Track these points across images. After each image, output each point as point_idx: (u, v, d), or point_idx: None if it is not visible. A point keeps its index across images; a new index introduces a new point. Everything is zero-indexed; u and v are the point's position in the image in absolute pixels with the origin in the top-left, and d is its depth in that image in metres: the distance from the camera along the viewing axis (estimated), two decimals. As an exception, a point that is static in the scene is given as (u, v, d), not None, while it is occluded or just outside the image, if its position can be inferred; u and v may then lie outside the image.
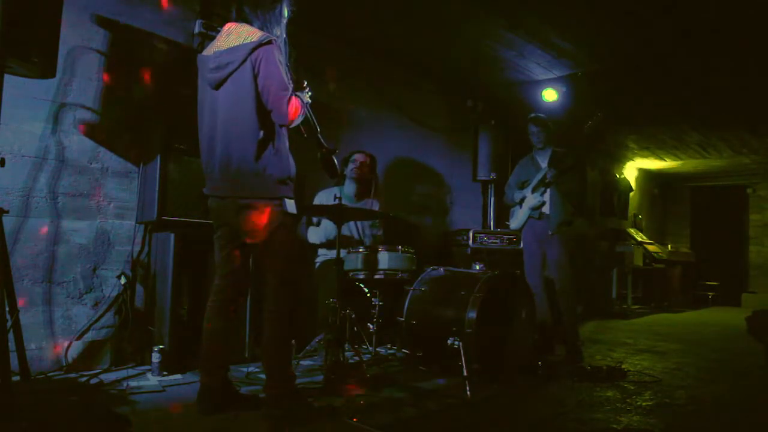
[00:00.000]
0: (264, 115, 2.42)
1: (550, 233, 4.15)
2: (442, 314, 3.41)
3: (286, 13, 2.58)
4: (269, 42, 2.39)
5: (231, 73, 2.42)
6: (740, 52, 4.90)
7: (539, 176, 4.21)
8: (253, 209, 2.42)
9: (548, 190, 4.18)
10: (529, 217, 4.25)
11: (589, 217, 8.23)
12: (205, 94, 2.54)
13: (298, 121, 2.48)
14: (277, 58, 2.39)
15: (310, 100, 2.62)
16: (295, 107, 2.41)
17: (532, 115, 4.39)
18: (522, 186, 4.37)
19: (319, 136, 2.70)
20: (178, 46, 3.70)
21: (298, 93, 2.52)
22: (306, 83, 2.61)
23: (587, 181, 4.91)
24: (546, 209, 4.20)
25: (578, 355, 4.04)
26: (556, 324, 4.18)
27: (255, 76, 2.39)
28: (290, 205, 2.46)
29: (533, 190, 4.23)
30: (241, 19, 2.51)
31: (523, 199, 4.32)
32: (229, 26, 2.52)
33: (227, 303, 2.56)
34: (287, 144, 2.52)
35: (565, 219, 4.16)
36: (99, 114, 3.34)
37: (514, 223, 4.39)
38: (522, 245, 4.41)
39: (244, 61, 2.38)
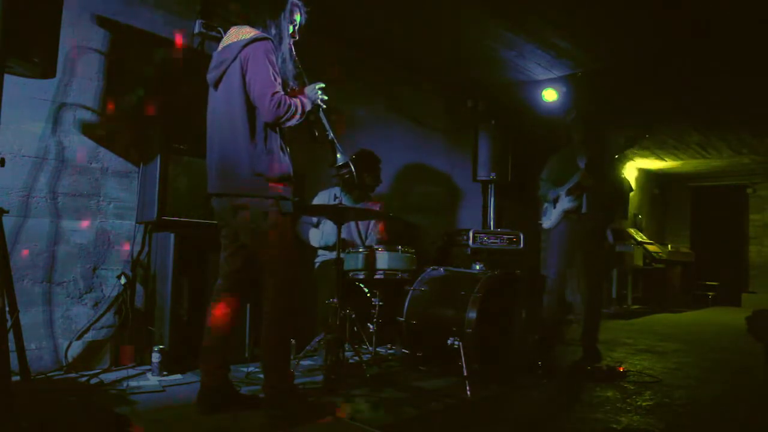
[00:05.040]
0: (253, 113, 2.40)
1: (587, 233, 4.08)
2: (442, 314, 3.41)
3: (298, 18, 2.59)
4: (261, 39, 2.38)
5: (224, 72, 2.43)
6: (740, 52, 4.90)
7: (575, 179, 4.06)
8: (247, 209, 2.41)
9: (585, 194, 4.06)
10: (564, 218, 4.13)
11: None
12: (209, 94, 2.57)
13: (289, 122, 2.43)
14: (266, 56, 2.36)
15: (324, 105, 2.62)
16: (278, 105, 2.32)
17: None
18: (558, 183, 4.22)
19: (337, 145, 2.68)
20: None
21: (301, 96, 2.51)
22: (318, 87, 2.60)
23: (622, 185, 4.80)
24: (583, 210, 4.07)
25: (597, 355, 3.97)
26: (559, 323, 4.13)
27: (244, 75, 2.38)
28: (285, 205, 2.45)
29: (567, 193, 4.09)
30: (244, 20, 2.52)
31: (557, 198, 4.18)
32: (232, 29, 2.53)
33: (229, 303, 2.56)
34: (281, 143, 2.48)
35: (601, 221, 4.12)
36: (99, 114, 3.33)
37: (547, 222, 4.27)
38: (552, 242, 4.28)
39: (235, 59, 2.39)
